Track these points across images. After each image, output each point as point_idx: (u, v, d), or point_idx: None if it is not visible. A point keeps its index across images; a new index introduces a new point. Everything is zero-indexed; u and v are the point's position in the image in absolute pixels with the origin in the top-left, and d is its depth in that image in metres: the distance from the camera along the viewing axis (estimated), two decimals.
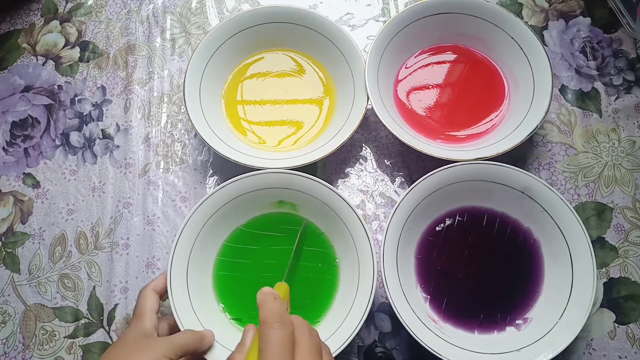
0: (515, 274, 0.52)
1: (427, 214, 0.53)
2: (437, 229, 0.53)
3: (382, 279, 0.48)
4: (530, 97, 0.55)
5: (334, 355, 0.45)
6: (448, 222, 0.54)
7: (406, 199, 0.50)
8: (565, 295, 0.49)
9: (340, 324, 0.48)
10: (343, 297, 0.50)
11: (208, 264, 0.52)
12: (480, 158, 0.52)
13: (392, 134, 0.52)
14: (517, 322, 0.50)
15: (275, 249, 0.53)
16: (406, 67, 0.60)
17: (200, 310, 0.49)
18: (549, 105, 0.53)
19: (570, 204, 0.50)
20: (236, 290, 0.52)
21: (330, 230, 0.53)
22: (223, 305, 0.51)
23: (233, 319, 0.51)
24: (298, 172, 0.51)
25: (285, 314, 0.37)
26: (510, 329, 0.50)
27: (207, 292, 0.51)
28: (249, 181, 0.51)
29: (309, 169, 0.54)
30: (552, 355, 0.46)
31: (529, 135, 0.52)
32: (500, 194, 0.52)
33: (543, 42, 0.58)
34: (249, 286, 0.52)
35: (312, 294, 0.51)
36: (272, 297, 0.38)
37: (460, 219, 0.54)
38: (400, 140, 0.52)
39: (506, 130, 0.55)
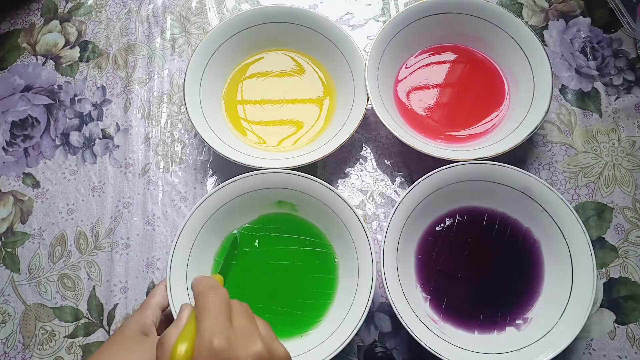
0: (515, 274, 0.52)
1: (427, 214, 0.53)
2: (437, 229, 0.53)
3: (382, 278, 0.48)
4: (530, 97, 0.55)
5: (334, 354, 0.45)
6: (448, 222, 0.54)
7: (406, 199, 0.50)
8: (565, 295, 0.49)
9: (340, 324, 0.48)
10: (343, 296, 0.51)
11: (207, 265, 0.52)
12: (480, 158, 0.52)
13: (392, 134, 0.52)
14: (517, 322, 0.50)
15: (275, 250, 0.53)
16: (406, 67, 0.60)
17: None
18: (549, 105, 0.53)
19: (570, 204, 0.50)
20: (237, 292, 0.52)
21: (329, 229, 0.53)
22: None
23: None
24: (297, 172, 0.51)
25: (219, 286, 0.38)
26: (510, 329, 0.50)
27: None
28: (248, 181, 0.51)
29: (309, 169, 0.54)
30: (552, 355, 0.46)
31: (529, 135, 0.52)
32: (500, 194, 0.52)
33: (543, 42, 0.58)
34: (249, 288, 0.52)
35: (312, 293, 0.51)
36: (206, 277, 0.39)
37: (460, 219, 0.54)
38: (400, 140, 0.52)
39: (506, 130, 0.55)
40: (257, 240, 0.53)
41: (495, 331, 0.50)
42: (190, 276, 0.49)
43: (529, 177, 0.51)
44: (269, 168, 0.52)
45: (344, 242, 0.51)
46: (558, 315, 0.48)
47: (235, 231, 0.53)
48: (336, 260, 0.52)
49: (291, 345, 0.49)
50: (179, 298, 0.48)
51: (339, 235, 0.52)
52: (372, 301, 0.47)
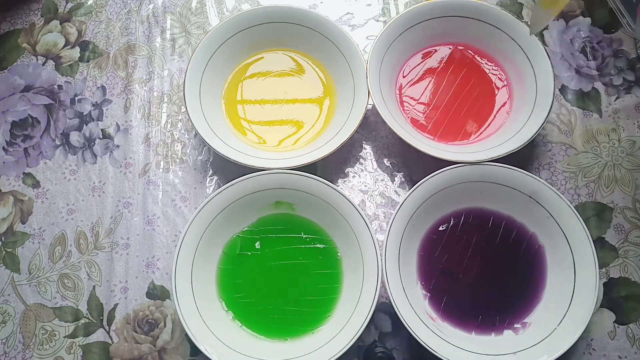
0: (517, 279, 0.52)
1: (433, 213, 0.53)
2: (442, 228, 0.53)
3: (383, 276, 0.48)
4: (533, 99, 0.55)
5: (348, 347, 0.46)
6: (453, 221, 0.53)
7: (412, 195, 0.50)
8: (566, 303, 0.48)
9: (349, 316, 0.48)
10: (349, 289, 0.51)
11: (210, 274, 0.52)
12: (481, 160, 0.52)
13: (394, 134, 0.52)
14: (516, 325, 0.50)
15: (277, 250, 0.53)
16: (408, 68, 0.60)
17: (208, 318, 0.49)
18: (551, 107, 0.53)
19: (571, 203, 0.50)
20: (243, 296, 0.52)
21: (328, 224, 0.53)
22: (232, 314, 0.51)
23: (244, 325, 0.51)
24: (292, 171, 0.51)
25: None
26: (507, 332, 0.50)
27: (214, 302, 0.51)
28: (245, 185, 0.51)
29: (309, 169, 0.54)
30: None
31: (532, 136, 0.52)
32: (507, 197, 0.52)
33: (543, 42, 0.58)
34: (255, 290, 0.52)
35: (318, 289, 0.52)
36: None
37: (465, 219, 0.53)
38: (400, 140, 0.52)
39: (509, 132, 0.55)
40: (257, 243, 0.53)
41: (493, 333, 0.50)
42: (196, 290, 0.50)
43: (536, 181, 0.51)
44: (269, 168, 0.52)
45: (346, 235, 0.51)
46: (557, 322, 0.48)
47: (235, 236, 0.54)
48: (339, 254, 0.53)
49: (304, 342, 0.50)
50: (189, 316, 0.48)
51: (340, 230, 0.52)
52: (380, 286, 0.48)
